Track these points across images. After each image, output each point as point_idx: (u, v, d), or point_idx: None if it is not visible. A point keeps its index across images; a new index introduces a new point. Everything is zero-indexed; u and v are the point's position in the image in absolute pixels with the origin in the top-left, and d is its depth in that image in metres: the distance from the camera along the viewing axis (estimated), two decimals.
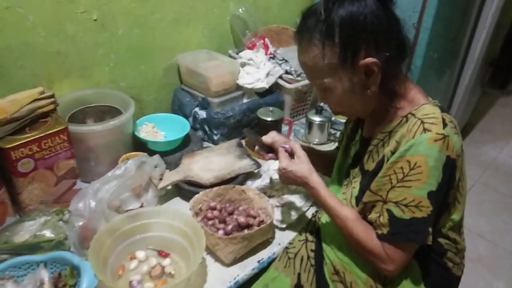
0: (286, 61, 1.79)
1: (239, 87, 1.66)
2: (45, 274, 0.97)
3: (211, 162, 1.42)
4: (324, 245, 1.13)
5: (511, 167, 3.05)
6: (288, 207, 1.29)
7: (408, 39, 0.92)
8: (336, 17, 0.86)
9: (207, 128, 1.62)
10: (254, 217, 1.20)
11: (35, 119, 1.16)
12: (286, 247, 1.18)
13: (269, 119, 1.52)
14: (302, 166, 1.06)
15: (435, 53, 2.00)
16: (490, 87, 3.75)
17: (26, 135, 1.11)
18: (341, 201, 1.05)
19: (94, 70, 1.48)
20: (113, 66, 1.52)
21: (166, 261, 1.10)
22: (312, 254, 1.14)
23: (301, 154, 1.08)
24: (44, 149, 1.14)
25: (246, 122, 1.64)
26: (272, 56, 1.80)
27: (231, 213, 1.22)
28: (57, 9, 1.30)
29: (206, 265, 1.12)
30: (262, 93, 1.70)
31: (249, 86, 1.64)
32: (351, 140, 1.16)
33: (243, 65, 1.69)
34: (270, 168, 1.43)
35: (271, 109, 1.56)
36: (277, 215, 1.26)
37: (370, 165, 1.01)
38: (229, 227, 1.14)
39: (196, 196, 1.23)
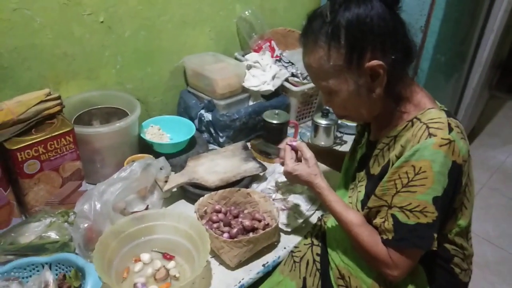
0: (292, 63, 1.79)
1: (245, 90, 1.66)
2: (49, 276, 0.97)
3: (217, 165, 1.42)
4: (329, 250, 1.13)
5: None
6: (293, 210, 1.28)
7: (414, 43, 0.92)
8: (342, 19, 0.86)
9: (212, 131, 1.61)
10: (259, 221, 1.19)
11: (41, 121, 1.17)
12: (292, 251, 1.17)
13: (275, 121, 1.52)
14: (309, 170, 1.05)
15: (443, 56, 1.98)
16: (498, 90, 3.72)
17: (32, 137, 1.12)
18: (347, 205, 1.04)
19: (100, 72, 1.49)
20: (119, 68, 1.52)
21: (170, 264, 1.10)
22: (317, 258, 1.13)
23: (308, 156, 1.07)
24: (50, 150, 1.14)
25: (252, 125, 1.63)
26: (278, 58, 1.79)
27: (236, 216, 1.21)
28: (64, 11, 1.31)
29: (210, 268, 1.12)
30: (268, 96, 1.70)
31: (255, 89, 1.64)
32: (358, 143, 1.15)
33: (249, 67, 1.69)
34: (276, 171, 1.42)
35: (277, 111, 1.55)
36: (282, 218, 1.25)
37: (375, 169, 1.00)
38: (234, 230, 1.14)
39: (201, 198, 1.23)
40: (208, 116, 1.60)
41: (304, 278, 1.10)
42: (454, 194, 0.90)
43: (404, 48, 0.89)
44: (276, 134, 1.53)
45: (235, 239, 1.09)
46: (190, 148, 1.55)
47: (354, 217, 0.98)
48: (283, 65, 1.77)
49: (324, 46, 0.89)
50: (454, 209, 0.95)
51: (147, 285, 1.03)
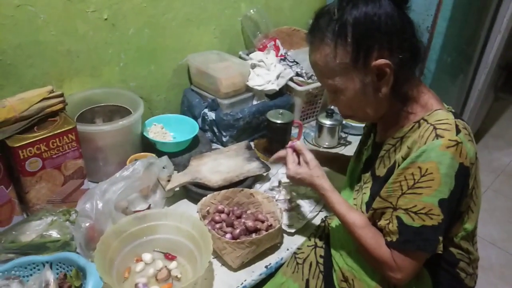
0: (297, 63, 1.77)
1: (249, 89, 1.65)
2: (50, 275, 0.96)
3: (220, 164, 1.41)
4: (333, 251, 1.11)
5: None
6: (297, 211, 1.27)
7: (423, 43, 0.90)
8: (350, 17, 0.85)
9: (216, 130, 1.60)
10: (262, 221, 1.18)
11: (44, 118, 1.16)
12: (295, 252, 1.16)
13: (278, 121, 1.50)
14: (310, 173, 1.05)
15: (449, 57, 1.96)
16: (503, 92, 3.69)
17: (35, 134, 1.11)
18: (352, 206, 1.03)
19: (104, 70, 1.48)
20: (123, 65, 1.52)
21: (172, 264, 1.09)
22: (321, 260, 1.12)
23: (308, 159, 1.07)
24: (52, 148, 1.13)
25: (256, 124, 1.62)
26: (283, 58, 1.78)
27: (239, 217, 1.20)
28: (68, 8, 1.30)
29: (213, 269, 1.11)
30: (272, 95, 1.68)
31: (259, 88, 1.62)
32: (364, 144, 1.14)
33: (253, 66, 1.67)
34: (279, 171, 1.41)
35: (281, 111, 1.54)
36: (285, 219, 1.24)
37: (381, 171, 0.99)
38: (237, 231, 1.12)
39: (204, 198, 1.22)
40: (211, 115, 1.59)
41: (307, 280, 1.09)
42: (460, 197, 0.88)
43: (411, 48, 0.88)
44: (280, 134, 1.52)
45: (238, 240, 1.08)
46: (193, 147, 1.54)
47: (357, 219, 0.97)
48: (287, 64, 1.76)
49: (330, 44, 0.88)
50: (460, 213, 0.93)
51: (148, 285, 1.03)
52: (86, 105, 1.42)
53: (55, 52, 1.33)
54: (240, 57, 1.82)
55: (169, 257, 1.11)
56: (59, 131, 1.14)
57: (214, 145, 1.63)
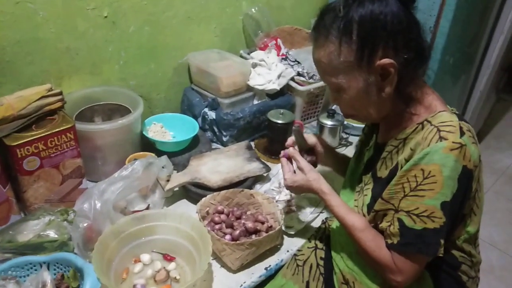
0: (299, 62, 1.76)
1: (249, 88, 1.64)
2: (47, 276, 0.95)
3: (220, 164, 1.40)
4: (333, 254, 1.10)
5: None
6: (297, 213, 1.26)
7: (428, 44, 0.89)
8: (355, 14, 0.83)
9: (216, 129, 1.59)
10: (262, 223, 1.17)
11: (42, 117, 1.15)
12: (295, 254, 1.15)
13: (279, 121, 1.49)
14: (306, 178, 1.06)
15: (451, 58, 1.95)
16: (505, 93, 3.68)
17: (33, 133, 1.10)
18: (352, 208, 1.02)
19: (103, 68, 1.46)
20: (123, 64, 1.50)
21: (171, 265, 1.08)
22: (321, 262, 1.11)
23: (301, 165, 1.08)
24: (50, 147, 1.12)
25: (256, 124, 1.61)
26: (284, 57, 1.77)
27: (238, 218, 1.19)
28: (67, 5, 1.29)
29: (212, 271, 1.10)
30: (273, 95, 1.67)
31: (260, 88, 1.61)
32: (365, 145, 1.13)
33: (254, 65, 1.66)
34: (280, 172, 1.40)
35: (282, 111, 1.53)
36: (286, 220, 1.23)
37: (383, 172, 0.98)
38: (237, 232, 1.11)
39: (204, 199, 1.21)
40: (211, 115, 1.58)
41: (307, 282, 1.08)
42: (463, 200, 0.87)
43: (417, 48, 0.87)
44: (281, 134, 1.51)
45: (238, 242, 1.07)
46: (193, 146, 1.52)
47: (356, 221, 0.96)
48: (289, 64, 1.74)
49: (335, 41, 0.86)
50: (463, 215, 0.92)
51: (147, 286, 1.02)
52: (85, 104, 1.41)
53: (54, 50, 1.32)
54: (241, 56, 1.81)
55: (168, 258, 1.10)
56: (57, 129, 1.12)
57: (214, 145, 1.61)
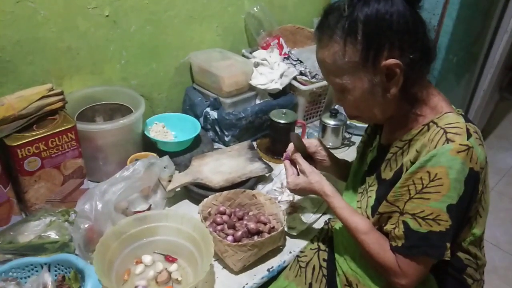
0: (301, 62, 1.75)
1: (252, 88, 1.63)
2: (48, 278, 0.94)
3: (222, 165, 1.39)
4: (336, 255, 1.09)
5: None
6: (300, 213, 1.25)
7: (434, 44, 0.88)
8: (361, 14, 0.82)
9: (218, 129, 1.58)
10: (265, 224, 1.16)
11: (43, 117, 1.14)
12: (298, 256, 1.14)
13: (282, 121, 1.48)
14: (308, 180, 1.05)
15: (455, 57, 1.94)
16: (508, 92, 3.66)
17: (33, 133, 1.09)
18: (355, 210, 1.01)
19: (105, 67, 1.46)
20: (124, 63, 1.49)
21: (173, 267, 1.07)
22: (324, 264, 1.10)
23: (303, 167, 1.07)
24: (51, 147, 1.12)
25: (258, 124, 1.60)
26: (286, 56, 1.76)
27: (240, 218, 1.18)
28: (68, 4, 1.28)
29: (214, 272, 1.09)
30: (275, 95, 1.66)
31: (262, 87, 1.60)
32: (368, 146, 1.12)
33: (256, 65, 1.65)
34: (282, 172, 1.39)
35: (284, 111, 1.52)
36: (288, 221, 1.22)
37: (387, 174, 0.97)
38: (239, 233, 1.10)
39: (205, 200, 1.20)
40: (213, 114, 1.57)
41: (310, 284, 1.07)
42: (470, 203, 0.86)
43: (423, 48, 0.85)
44: (283, 134, 1.50)
45: (240, 243, 1.06)
46: (194, 146, 1.51)
47: (360, 223, 0.95)
48: (291, 63, 1.73)
49: (339, 41, 0.85)
50: (469, 218, 0.91)
51: None
52: (87, 103, 1.40)
53: (55, 49, 1.31)
54: (243, 56, 1.80)
55: (170, 259, 1.09)
56: (58, 129, 1.12)
57: (216, 145, 1.60)
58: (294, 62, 1.74)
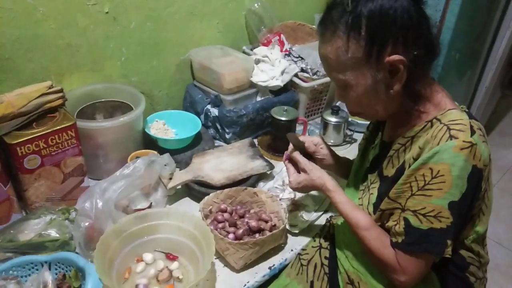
0: (302, 58, 1.74)
1: (253, 85, 1.62)
2: (48, 276, 0.94)
3: (223, 162, 1.38)
4: (338, 253, 1.09)
5: None
6: (301, 211, 1.24)
7: (438, 40, 0.87)
8: (364, 9, 0.81)
9: (219, 126, 1.57)
10: (266, 221, 1.15)
11: (43, 114, 1.13)
12: (299, 253, 1.14)
13: (283, 118, 1.48)
14: (309, 177, 1.05)
15: (457, 53, 1.93)
16: (510, 89, 3.65)
17: (33, 131, 1.08)
18: (357, 206, 1.00)
19: (105, 64, 1.45)
20: (124, 60, 1.49)
21: (174, 265, 1.06)
22: (326, 262, 1.10)
23: (304, 165, 1.07)
24: (51, 145, 1.11)
25: (259, 121, 1.59)
26: (287, 53, 1.74)
27: (242, 216, 1.18)
28: (68, 0, 1.27)
29: (215, 270, 1.08)
30: (277, 92, 1.65)
31: (263, 84, 1.59)
32: (370, 143, 1.11)
33: (257, 62, 1.64)
34: (283, 170, 1.38)
35: (285, 108, 1.51)
36: (290, 219, 1.21)
37: (389, 171, 0.96)
38: (240, 231, 1.10)
39: (206, 197, 1.19)
40: (214, 112, 1.56)
41: (312, 282, 1.07)
42: (472, 200, 0.85)
43: (427, 44, 0.84)
44: (284, 131, 1.47)
45: (241, 241, 1.05)
46: (195, 144, 1.51)
47: (361, 219, 0.95)
48: (292, 60, 1.72)
49: (343, 37, 0.84)
50: (472, 215, 0.90)
51: (149, 286, 1.00)
52: (87, 101, 1.40)
53: (54, 46, 1.30)
54: (244, 52, 1.79)
55: (171, 257, 1.09)
56: (58, 127, 1.11)
57: (217, 142, 1.60)
58: (295, 59, 1.73)
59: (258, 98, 1.64)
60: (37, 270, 1.00)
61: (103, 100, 1.43)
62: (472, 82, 2.52)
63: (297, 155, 1.09)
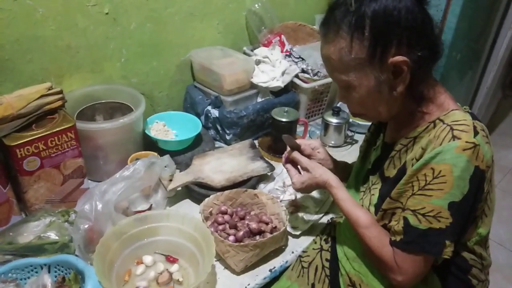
0: (303, 59, 1.73)
1: (253, 86, 1.61)
2: (47, 279, 0.93)
3: (223, 164, 1.38)
4: (339, 255, 1.08)
5: None
6: (302, 213, 1.24)
7: (442, 41, 0.86)
8: (368, 9, 0.80)
9: (219, 128, 1.57)
10: (267, 223, 1.15)
11: (42, 116, 1.13)
12: (300, 256, 1.13)
13: (283, 119, 1.47)
14: (312, 176, 1.04)
15: (458, 54, 1.93)
16: (511, 89, 3.64)
17: (33, 133, 1.08)
18: (358, 203, 1.00)
19: (105, 65, 1.44)
20: (124, 61, 1.48)
21: (174, 267, 1.05)
22: (327, 264, 1.09)
23: (305, 164, 1.06)
24: (51, 147, 1.10)
25: (260, 122, 1.59)
26: (288, 54, 1.74)
27: (242, 218, 1.17)
28: (67, 1, 1.26)
29: (215, 273, 1.08)
30: (277, 92, 1.65)
31: (264, 85, 1.59)
32: (372, 145, 1.10)
33: (258, 62, 1.64)
34: (284, 171, 1.38)
35: (286, 109, 1.51)
36: (290, 221, 1.20)
37: (391, 172, 0.95)
38: (240, 233, 1.09)
39: (207, 199, 1.18)
40: (214, 113, 1.55)
41: (313, 285, 1.06)
42: (475, 202, 0.85)
43: (430, 45, 0.84)
44: (285, 132, 1.46)
45: (241, 243, 1.04)
46: (196, 145, 1.50)
47: (361, 217, 0.95)
48: (293, 61, 1.72)
49: (346, 37, 0.83)
50: (474, 217, 0.90)
51: None
52: (87, 102, 1.39)
53: (54, 47, 1.30)
54: (245, 53, 1.79)
55: (171, 259, 1.08)
56: (58, 129, 1.10)
57: (217, 143, 1.59)
58: (296, 60, 1.72)
59: (259, 99, 1.63)
60: (36, 272, 0.99)
61: (103, 101, 1.42)
62: (473, 83, 2.52)
63: (297, 155, 1.08)
